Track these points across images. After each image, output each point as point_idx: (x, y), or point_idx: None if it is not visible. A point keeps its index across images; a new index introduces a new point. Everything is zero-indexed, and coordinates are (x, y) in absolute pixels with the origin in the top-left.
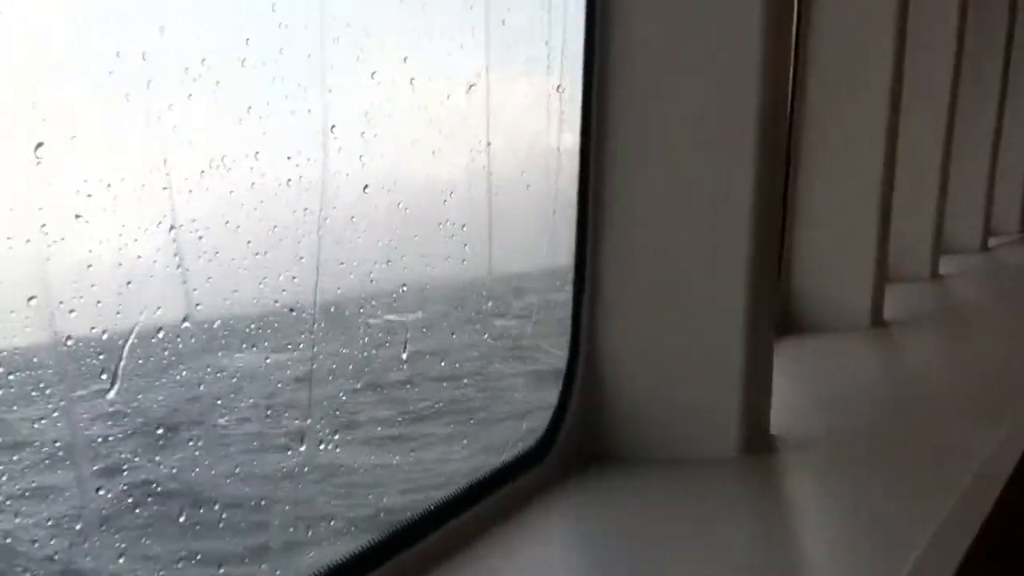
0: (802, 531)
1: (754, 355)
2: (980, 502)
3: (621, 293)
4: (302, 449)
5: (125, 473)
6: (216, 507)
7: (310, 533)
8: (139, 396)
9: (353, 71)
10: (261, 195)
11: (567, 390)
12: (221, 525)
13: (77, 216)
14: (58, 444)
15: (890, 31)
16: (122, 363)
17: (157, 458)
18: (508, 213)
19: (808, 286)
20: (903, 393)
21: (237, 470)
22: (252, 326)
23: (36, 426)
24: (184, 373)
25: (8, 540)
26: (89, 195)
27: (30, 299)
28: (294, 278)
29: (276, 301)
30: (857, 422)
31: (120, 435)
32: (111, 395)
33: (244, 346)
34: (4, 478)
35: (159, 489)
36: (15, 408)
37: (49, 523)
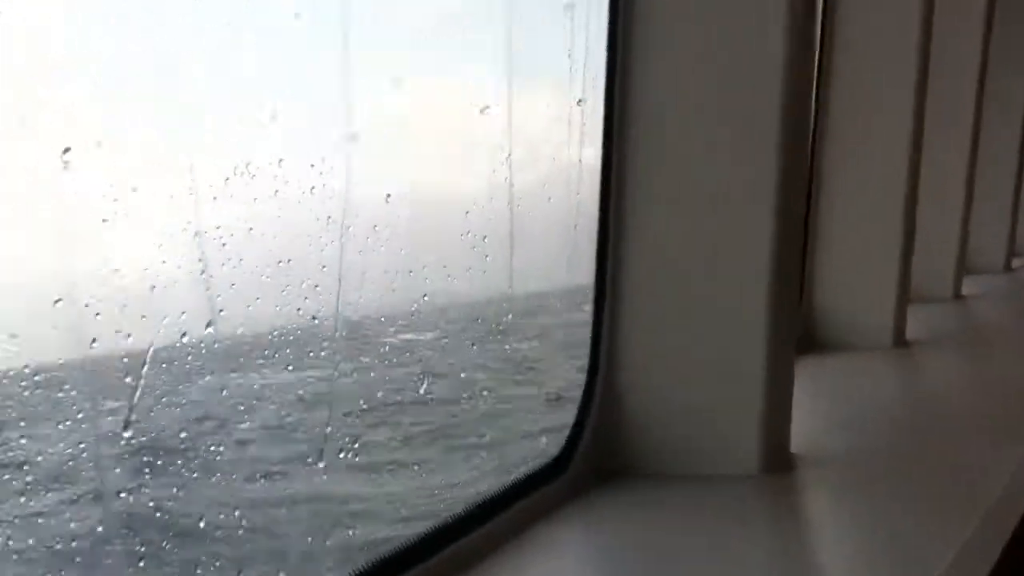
0: (821, 550)
1: (775, 373)
2: (1002, 522)
3: (641, 309)
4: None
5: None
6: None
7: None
8: (149, 415)
9: (377, 81)
10: (284, 203)
11: (585, 406)
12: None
13: (104, 220)
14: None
15: (914, 49)
16: (141, 382)
17: (147, 482)
18: (529, 225)
19: (830, 305)
20: (924, 413)
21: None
22: (273, 336)
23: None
24: (194, 394)
25: None
26: (115, 199)
27: (56, 301)
28: (316, 286)
29: (298, 309)
30: (878, 441)
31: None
32: (127, 422)
33: (261, 362)
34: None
35: (142, 516)
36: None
37: None
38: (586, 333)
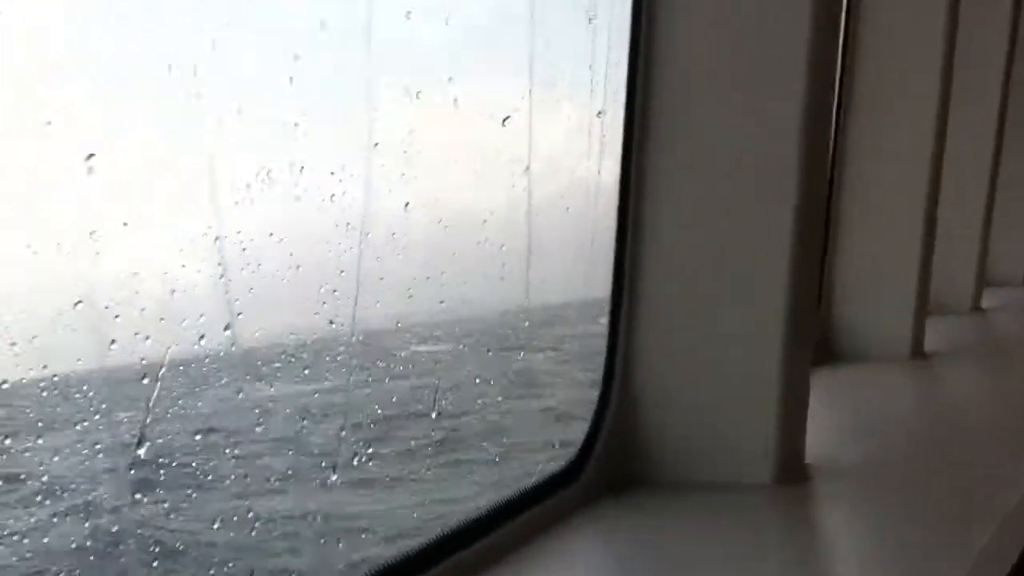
0: (835, 561)
1: (791, 383)
2: (1018, 535)
3: (657, 318)
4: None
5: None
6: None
7: None
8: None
9: (398, 90)
10: (304, 209)
11: (601, 413)
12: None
13: (125, 224)
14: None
15: (936, 61)
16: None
17: (142, 499)
18: (546, 236)
19: (848, 315)
20: (941, 424)
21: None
22: (291, 339)
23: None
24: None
25: None
26: (136, 203)
27: (76, 303)
28: (334, 291)
29: (316, 313)
30: (894, 452)
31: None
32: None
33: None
34: None
35: (131, 533)
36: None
37: None
38: (598, 345)
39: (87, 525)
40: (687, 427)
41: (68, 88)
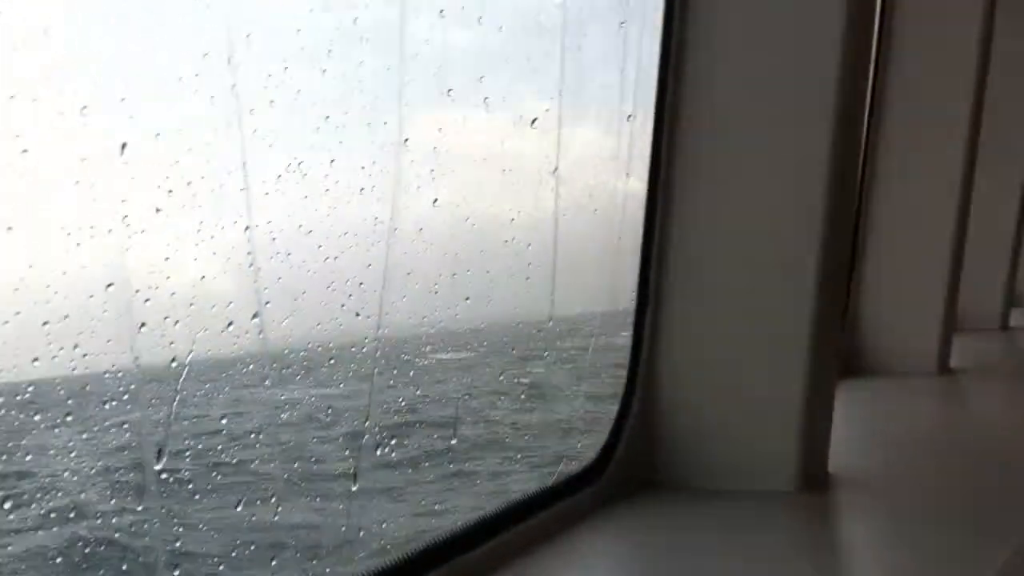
0: (854, 570)
1: (816, 392)
2: None
3: (682, 323)
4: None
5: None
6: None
7: None
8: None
9: (429, 87)
10: (334, 202)
11: (623, 415)
12: None
13: (158, 210)
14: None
15: (969, 81)
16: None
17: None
18: (573, 236)
19: (876, 329)
20: (964, 439)
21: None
22: (316, 333)
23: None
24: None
25: None
26: (170, 191)
27: (108, 286)
28: (361, 284)
29: (343, 305)
30: (917, 464)
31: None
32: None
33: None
34: None
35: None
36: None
37: None
38: (614, 358)
39: None
40: (709, 433)
41: (102, 78)
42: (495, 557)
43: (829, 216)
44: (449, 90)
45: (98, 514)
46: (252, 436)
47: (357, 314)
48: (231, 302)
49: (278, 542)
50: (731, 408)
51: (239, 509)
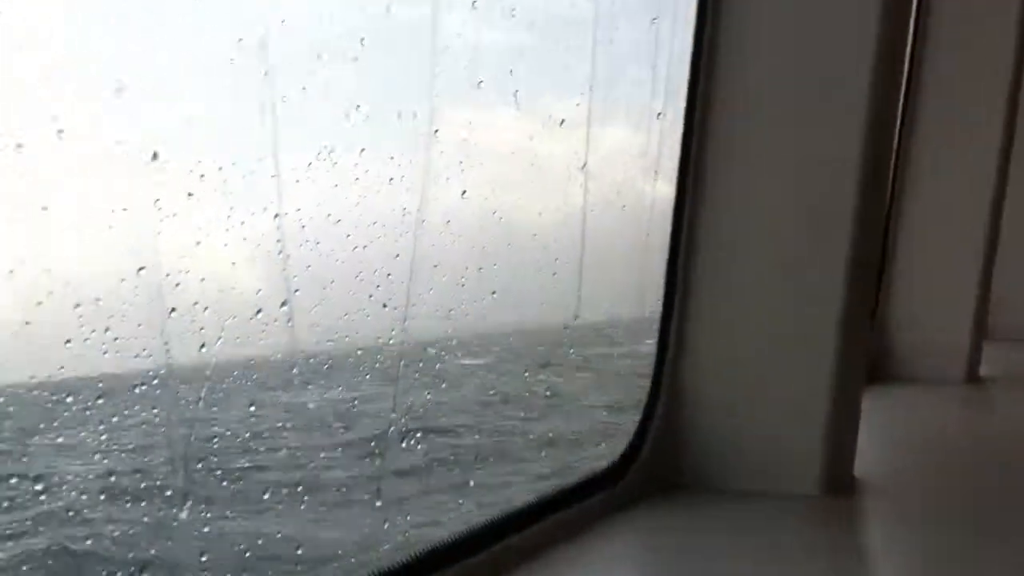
0: (877, 574)
1: (842, 395)
2: None
3: (710, 323)
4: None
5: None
6: None
7: None
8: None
9: (460, 79)
10: (363, 191)
11: (648, 416)
12: None
13: (189, 195)
14: None
15: (1003, 83)
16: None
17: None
18: (601, 232)
19: (905, 333)
20: (993, 448)
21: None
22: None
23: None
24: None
25: None
26: (202, 176)
27: (139, 270)
28: (388, 274)
29: (370, 295)
30: (943, 472)
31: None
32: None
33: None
34: None
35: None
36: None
37: None
38: (635, 366)
39: None
40: (734, 434)
41: (137, 64)
42: (509, 557)
43: (859, 217)
44: (480, 82)
45: None
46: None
47: (384, 304)
48: (260, 289)
49: None
50: (756, 409)
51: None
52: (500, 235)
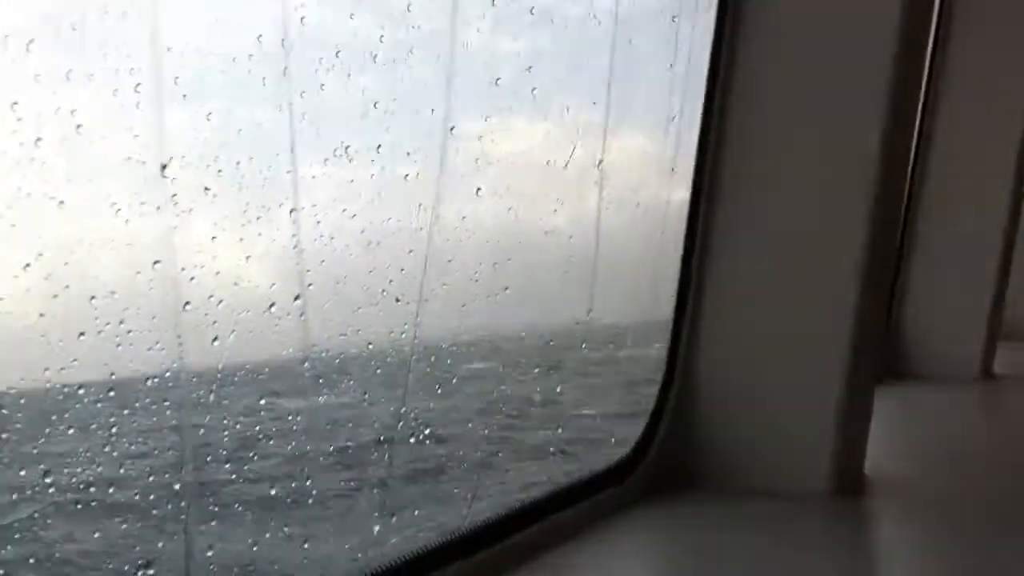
0: (887, 572)
1: (854, 393)
2: None
3: (722, 321)
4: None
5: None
6: None
7: None
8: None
9: (478, 76)
10: (379, 187)
11: (658, 414)
12: None
13: (206, 190)
14: None
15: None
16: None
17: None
18: (616, 230)
19: (919, 334)
20: (1006, 446)
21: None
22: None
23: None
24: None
25: None
26: (219, 171)
27: (155, 263)
28: (402, 270)
29: (383, 291)
30: (955, 471)
31: None
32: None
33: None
34: None
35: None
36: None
37: None
38: (642, 371)
39: None
40: (745, 432)
41: (156, 58)
42: (519, 552)
43: (875, 217)
44: (497, 79)
45: None
46: None
47: (397, 299)
48: (274, 283)
49: None
50: (768, 407)
51: None
52: (513, 232)
